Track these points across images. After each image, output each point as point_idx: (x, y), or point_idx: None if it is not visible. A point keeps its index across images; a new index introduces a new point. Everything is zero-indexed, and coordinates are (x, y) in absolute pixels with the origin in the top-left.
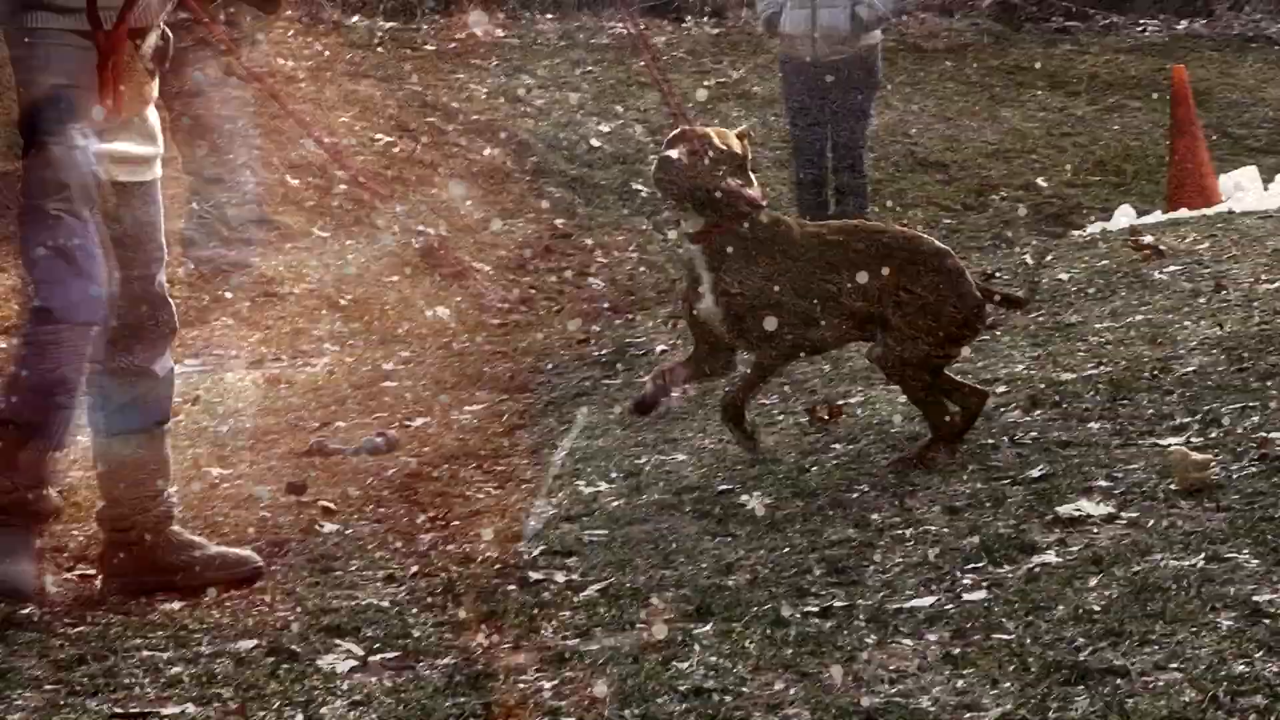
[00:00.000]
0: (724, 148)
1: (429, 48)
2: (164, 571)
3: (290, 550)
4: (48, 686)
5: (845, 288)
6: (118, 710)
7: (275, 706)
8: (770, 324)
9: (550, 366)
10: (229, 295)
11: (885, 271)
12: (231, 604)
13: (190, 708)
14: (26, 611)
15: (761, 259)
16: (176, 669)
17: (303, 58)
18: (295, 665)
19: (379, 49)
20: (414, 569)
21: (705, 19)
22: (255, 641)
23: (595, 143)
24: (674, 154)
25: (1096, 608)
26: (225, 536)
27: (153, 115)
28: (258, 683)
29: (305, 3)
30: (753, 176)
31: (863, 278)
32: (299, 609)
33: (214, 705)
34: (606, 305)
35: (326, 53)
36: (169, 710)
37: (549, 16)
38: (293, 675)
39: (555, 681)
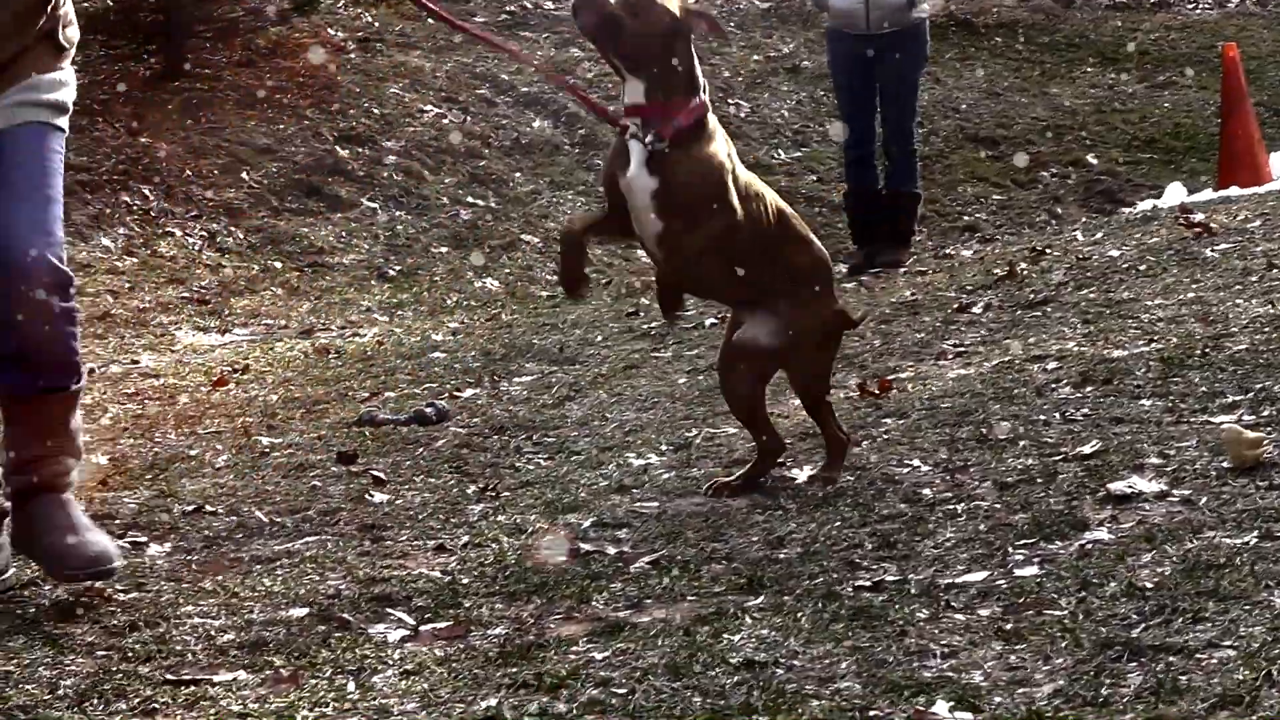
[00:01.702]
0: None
1: (478, 19)
2: None
3: (341, 519)
4: (100, 653)
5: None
6: (170, 677)
7: (327, 675)
8: (692, 236)
9: (599, 338)
10: (278, 265)
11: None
12: (283, 572)
13: (242, 674)
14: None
15: (699, 163)
16: (228, 636)
17: (353, 29)
18: (347, 634)
19: (429, 20)
20: (464, 539)
21: None
22: (307, 610)
23: None
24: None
25: (1149, 584)
26: (277, 505)
27: None
28: (309, 651)
29: None
30: (699, 70)
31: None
32: (350, 578)
33: (266, 673)
34: (652, 278)
35: (376, 24)
36: (221, 677)
37: None
38: (344, 644)
39: (607, 653)
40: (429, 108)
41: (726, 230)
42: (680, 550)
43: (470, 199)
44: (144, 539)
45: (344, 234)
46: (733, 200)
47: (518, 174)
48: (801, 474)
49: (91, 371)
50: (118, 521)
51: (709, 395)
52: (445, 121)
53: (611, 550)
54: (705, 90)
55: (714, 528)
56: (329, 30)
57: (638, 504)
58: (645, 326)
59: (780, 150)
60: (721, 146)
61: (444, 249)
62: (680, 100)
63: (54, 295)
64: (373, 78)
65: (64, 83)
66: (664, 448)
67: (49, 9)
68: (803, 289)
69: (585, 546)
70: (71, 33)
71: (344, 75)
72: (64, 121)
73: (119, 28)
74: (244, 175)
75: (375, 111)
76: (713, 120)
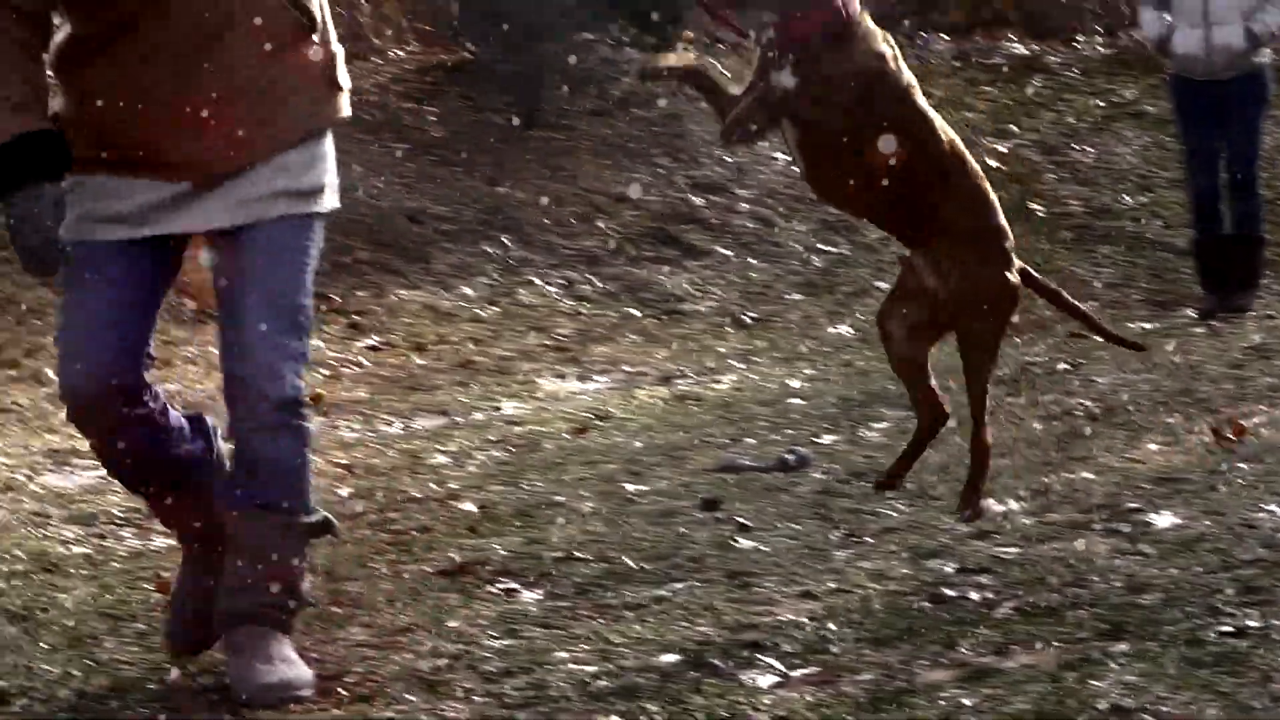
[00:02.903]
0: None
1: None
2: None
3: (708, 565)
4: (477, 699)
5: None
6: None
7: None
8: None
9: (954, 386)
10: (636, 312)
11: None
12: (653, 618)
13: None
14: (455, 625)
15: (835, 65)
16: (602, 683)
17: None
18: (718, 680)
19: None
20: (830, 585)
21: (1097, 39)
22: (678, 656)
23: (992, 162)
24: None
25: None
26: (644, 551)
27: None
28: (682, 697)
29: (709, 24)
30: None
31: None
32: (719, 624)
33: (640, 718)
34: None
35: (728, 74)
36: None
37: (944, 38)
38: (716, 690)
39: (975, 699)
40: (780, 155)
41: (865, 130)
42: (1043, 595)
43: (822, 245)
44: (515, 585)
45: (699, 281)
46: (872, 102)
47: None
48: (1160, 519)
49: (455, 420)
50: (488, 567)
51: (1064, 441)
52: (797, 169)
53: (975, 596)
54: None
55: (1076, 573)
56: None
57: (999, 549)
58: (999, 372)
59: (1125, 195)
60: (867, 51)
61: (798, 295)
62: (817, 7)
63: (290, 414)
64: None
65: (321, 157)
66: (1022, 493)
67: (318, 29)
68: (970, 233)
69: (949, 592)
70: (343, 75)
71: (696, 124)
72: (324, 203)
73: (478, 79)
74: (600, 224)
75: (728, 159)
76: (861, 26)
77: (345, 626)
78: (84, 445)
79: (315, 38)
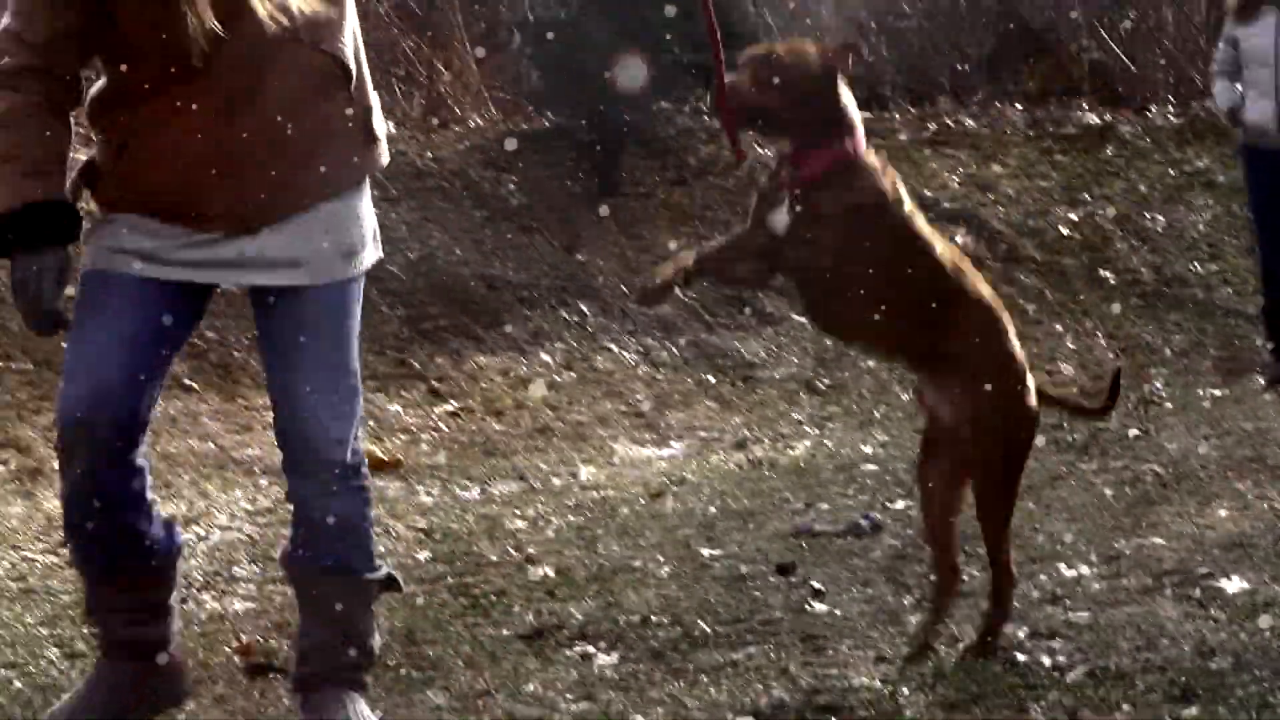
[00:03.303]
0: (800, 64)
1: (901, 137)
2: None
3: (782, 629)
4: None
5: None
6: None
7: None
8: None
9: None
10: (711, 378)
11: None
12: (728, 681)
13: None
14: (530, 689)
15: (834, 203)
16: None
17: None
18: None
19: None
20: (903, 649)
21: (1169, 108)
22: (751, 718)
23: (1064, 229)
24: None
25: None
26: (719, 615)
27: None
28: None
29: None
30: (852, 104)
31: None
32: (793, 687)
33: None
34: (1076, 390)
35: None
36: None
37: (1018, 107)
38: None
39: None
40: None
41: (865, 267)
42: (1114, 659)
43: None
44: (591, 649)
45: (774, 347)
46: (871, 238)
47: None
48: (1230, 584)
49: (532, 485)
50: (565, 631)
51: (1134, 506)
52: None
53: (1046, 660)
54: (858, 130)
55: (1146, 637)
56: (757, 149)
57: (1070, 613)
58: (1070, 438)
59: (1196, 263)
60: (867, 189)
61: (870, 362)
62: (826, 143)
63: (349, 477)
64: None
65: (359, 212)
66: (1093, 558)
67: (353, 79)
68: (982, 362)
69: (1021, 656)
70: (379, 124)
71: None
72: (364, 262)
73: (557, 146)
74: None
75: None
76: (866, 161)
77: (424, 689)
78: (164, 509)
79: (351, 89)
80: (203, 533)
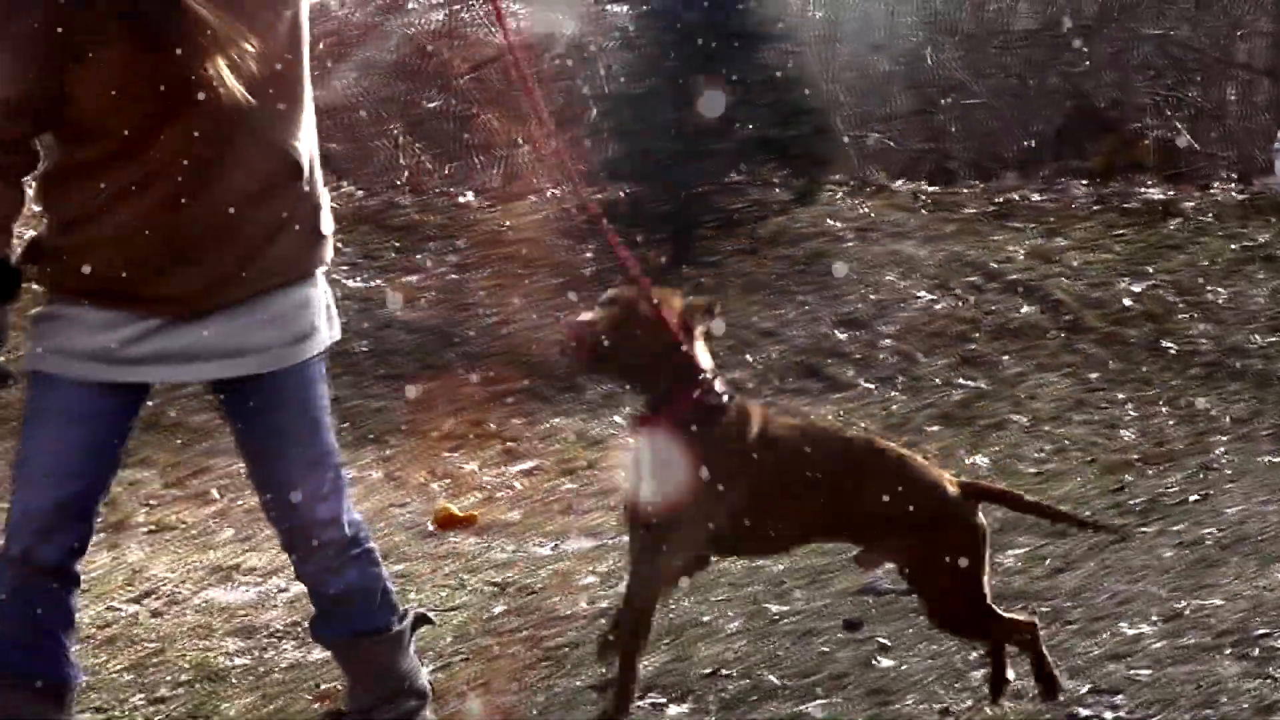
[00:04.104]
0: (653, 325)
1: (968, 210)
2: None
3: (849, 684)
4: None
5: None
6: None
7: None
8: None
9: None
10: None
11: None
12: None
13: None
14: None
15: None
16: None
17: (849, 219)
18: None
19: (921, 211)
20: (968, 704)
21: (1231, 185)
22: None
23: (1127, 301)
24: (590, 317)
25: None
26: (787, 669)
27: None
28: None
29: (855, 167)
30: (706, 358)
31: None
32: None
33: None
34: (1137, 457)
35: (871, 215)
36: None
37: (1083, 182)
38: None
39: None
40: (922, 293)
41: (769, 499)
42: (1174, 716)
43: (961, 380)
44: (663, 700)
45: (842, 413)
46: (763, 474)
47: (1006, 356)
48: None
49: (605, 542)
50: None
51: (1195, 568)
52: (937, 307)
53: (1109, 716)
54: (710, 372)
55: (1206, 695)
56: (827, 221)
57: (1132, 670)
58: (1131, 502)
59: (1256, 335)
60: (733, 435)
61: (936, 427)
62: (681, 392)
63: (348, 548)
64: (868, 264)
65: (309, 300)
66: (1154, 617)
67: (305, 176)
68: (911, 513)
69: (1083, 711)
70: (326, 223)
71: (844, 260)
72: (319, 343)
73: (631, 216)
74: (747, 356)
75: (871, 297)
76: (728, 410)
77: None
78: (246, 561)
79: (303, 184)
80: (283, 584)
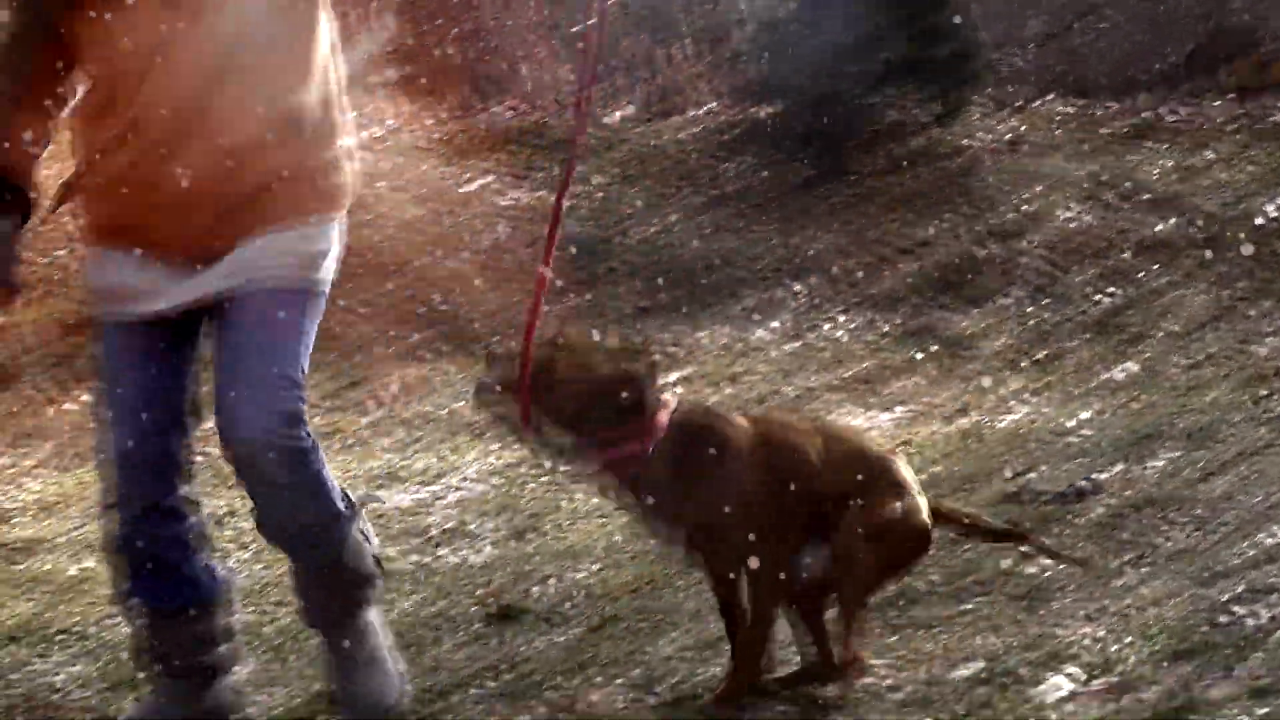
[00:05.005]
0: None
1: (1106, 130)
2: None
3: (997, 588)
4: (781, 706)
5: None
6: None
7: None
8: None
9: (1236, 418)
10: (925, 353)
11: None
12: (945, 636)
13: None
14: None
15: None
16: (902, 693)
17: (996, 134)
18: (1008, 693)
19: (1059, 131)
20: (1116, 606)
21: None
22: (970, 671)
23: (1267, 217)
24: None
25: None
26: (936, 575)
27: None
28: (974, 709)
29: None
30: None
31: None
32: (1011, 642)
33: None
34: (1277, 369)
35: (1020, 129)
36: None
37: (1218, 102)
38: (1006, 702)
39: (1256, 717)
40: (1062, 210)
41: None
42: None
43: (1103, 294)
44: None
45: (986, 325)
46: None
47: (1147, 270)
48: None
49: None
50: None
51: None
52: (1078, 222)
53: (1264, 613)
54: (663, 401)
55: None
56: (966, 139)
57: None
58: (1267, 415)
59: None
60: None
61: (1077, 340)
62: (635, 429)
63: (283, 467)
64: (1009, 182)
65: (316, 237)
66: None
67: (304, 129)
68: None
69: (1238, 609)
70: (337, 172)
71: (986, 177)
72: (319, 276)
73: (776, 135)
74: (887, 273)
75: (1015, 212)
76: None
77: (655, 639)
78: (409, 465)
79: (304, 136)
80: (451, 485)
